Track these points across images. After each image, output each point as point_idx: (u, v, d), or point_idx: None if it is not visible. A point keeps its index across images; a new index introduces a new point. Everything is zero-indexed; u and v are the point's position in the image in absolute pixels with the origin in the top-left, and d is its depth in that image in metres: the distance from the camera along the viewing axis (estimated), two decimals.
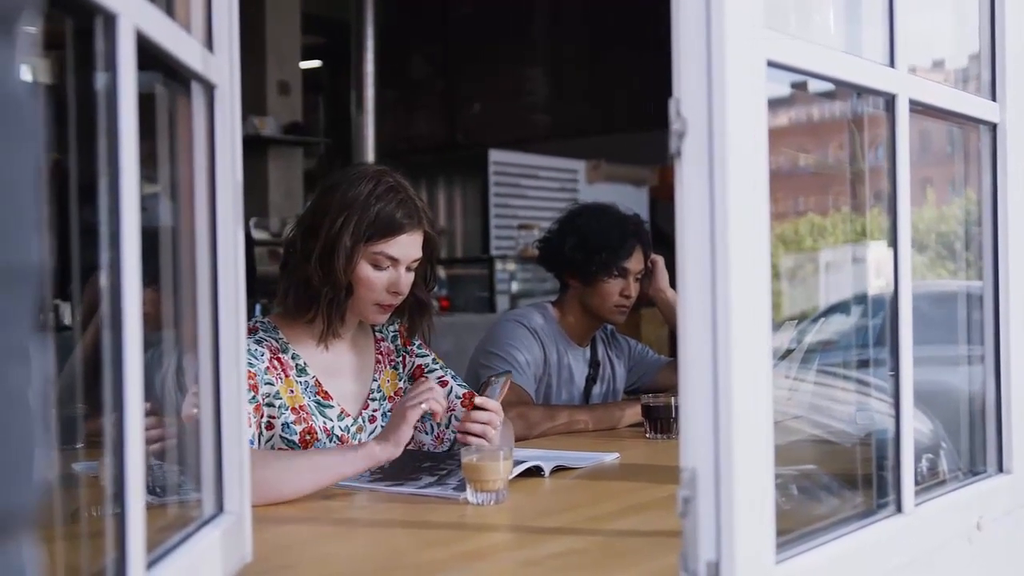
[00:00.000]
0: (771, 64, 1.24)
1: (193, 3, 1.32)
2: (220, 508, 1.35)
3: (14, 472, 0.56)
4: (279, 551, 1.57)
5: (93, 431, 1.34)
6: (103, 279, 0.99)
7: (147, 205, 1.07)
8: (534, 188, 8.03)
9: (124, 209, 1.00)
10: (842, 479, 1.68)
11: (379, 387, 2.34)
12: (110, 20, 0.98)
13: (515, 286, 7.33)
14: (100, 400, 1.04)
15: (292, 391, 2.17)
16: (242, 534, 1.39)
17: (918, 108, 1.56)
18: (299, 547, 1.63)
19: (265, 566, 1.45)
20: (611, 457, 2.32)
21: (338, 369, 2.27)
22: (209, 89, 1.33)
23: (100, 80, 1.00)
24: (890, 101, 1.51)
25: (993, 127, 1.79)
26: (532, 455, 2.15)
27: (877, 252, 1.85)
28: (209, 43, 1.33)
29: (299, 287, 2.18)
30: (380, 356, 2.36)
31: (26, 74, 0.60)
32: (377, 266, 2.17)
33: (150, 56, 1.10)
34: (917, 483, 1.54)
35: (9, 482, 0.56)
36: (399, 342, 2.40)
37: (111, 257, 0.99)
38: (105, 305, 1.00)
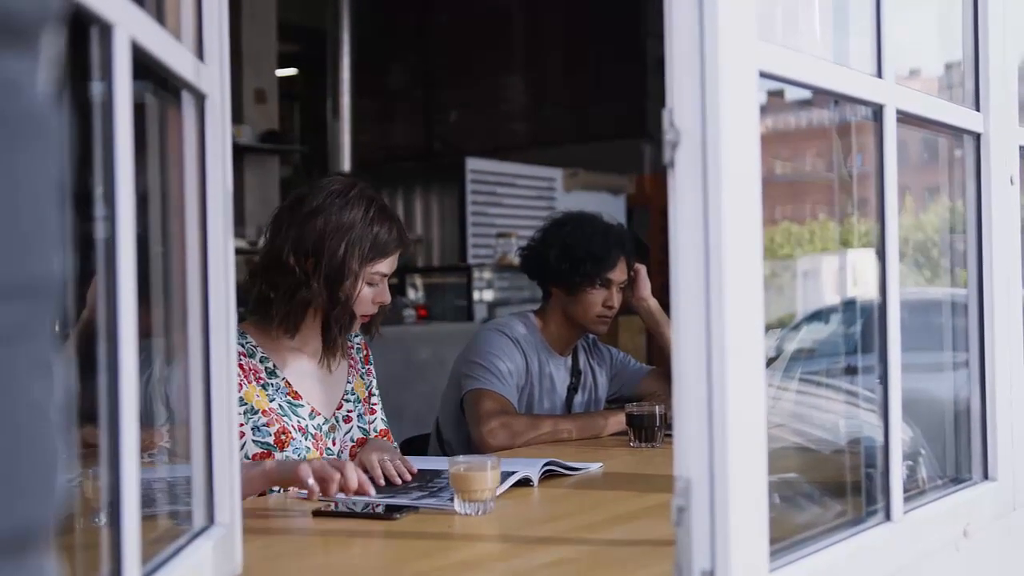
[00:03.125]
0: (763, 75, 1.25)
1: (183, 12, 1.31)
2: (211, 520, 1.34)
3: (38, 486, 0.56)
4: (269, 563, 1.56)
5: (78, 442, 1.33)
6: (99, 289, 0.99)
7: (136, 215, 1.06)
8: (511, 196, 8.02)
9: (120, 219, 0.99)
10: (830, 487, 1.69)
11: (352, 389, 2.41)
12: (106, 30, 0.98)
13: (493, 294, 7.31)
14: (83, 410, 1.03)
15: (259, 395, 2.21)
16: (232, 546, 1.38)
17: (904, 118, 1.57)
18: (288, 559, 1.63)
19: None
20: (596, 467, 2.33)
21: (311, 372, 2.32)
22: (200, 99, 1.33)
23: (95, 89, 1.00)
24: (878, 111, 1.52)
25: (977, 137, 1.80)
26: (518, 465, 2.15)
27: (855, 260, 1.86)
28: (200, 53, 1.33)
29: (300, 309, 2.23)
30: (352, 361, 2.44)
31: (48, 86, 0.60)
32: (371, 284, 2.27)
33: (142, 65, 1.09)
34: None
35: (34, 496, 0.56)
36: (361, 356, 2.48)
37: (106, 266, 0.99)
38: (100, 316, 0.99)
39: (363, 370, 2.47)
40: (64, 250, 0.60)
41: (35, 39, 0.58)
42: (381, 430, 2.45)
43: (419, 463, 2.22)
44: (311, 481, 1.89)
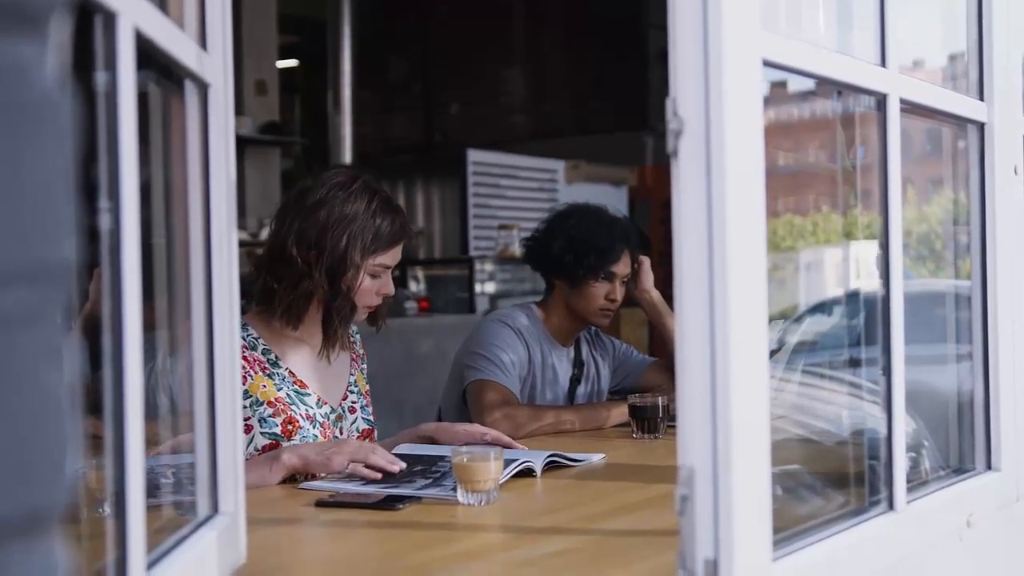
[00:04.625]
0: (766, 64, 1.24)
1: (187, 1, 1.31)
2: (215, 509, 1.35)
3: (48, 471, 0.56)
4: (273, 552, 1.56)
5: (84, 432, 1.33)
6: (104, 280, 0.99)
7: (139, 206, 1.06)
8: (513, 188, 8.01)
9: (124, 209, 0.99)
10: (833, 478, 1.69)
11: (355, 381, 2.43)
12: (110, 18, 0.98)
13: (495, 287, 7.31)
14: (87, 401, 1.03)
15: (265, 386, 2.23)
16: (237, 535, 1.38)
17: (908, 107, 1.57)
18: (292, 548, 1.63)
19: (259, 567, 1.44)
20: (598, 458, 2.33)
21: (314, 363, 2.34)
22: (203, 88, 1.32)
23: (99, 78, 1.00)
24: (881, 100, 1.51)
25: (981, 126, 1.80)
26: (520, 455, 2.15)
27: (859, 252, 1.86)
28: (203, 42, 1.33)
29: (303, 300, 2.24)
30: (354, 355, 2.46)
31: (57, 71, 0.60)
32: (373, 276, 2.28)
33: (145, 54, 1.09)
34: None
35: (44, 481, 0.56)
36: (361, 352, 2.51)
37: (111, 257, 0.98)
38: (104, 307, 0.99)
39: (362, 366, 2.50)
40: (74, 236, 0.60)
41: (44, 26, 0.58)
42: (364, 429, 2.44)
43: (421, 450, 2.24)
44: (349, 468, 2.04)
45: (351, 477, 2.04)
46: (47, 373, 0.56)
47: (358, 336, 2.51)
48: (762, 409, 1.21)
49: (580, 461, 2.26)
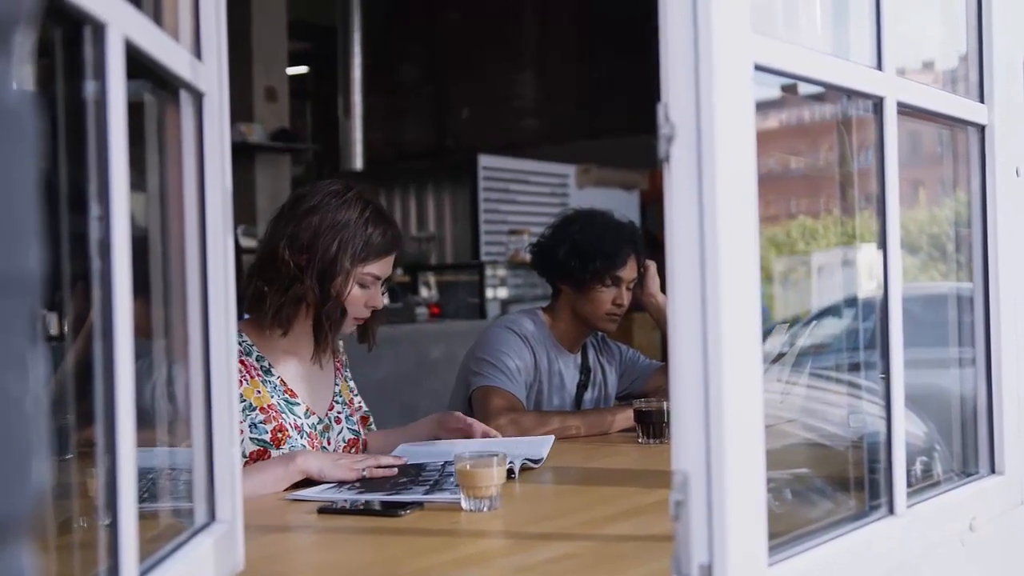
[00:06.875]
0: (759, 68, 1.24)
1: (181, 11, 1.32)
2: (212, 516, 1.35)
3: (12, 479, 0.56)
4: (270, 560, 1.56)
5: (83, 441, 1.34)
6: (94, 289, 0.99)
7: (134, 214, 1.06)
8: (524, 193, 8.01)
9: (114, 218, 0.99)
10: (835, 482, 1.69)
11: (339, 391, 2.45)
12: (99, 29, 0.98)
13: (506, 292, 7.32)
14: (90, 410, 1.03)
15: (259, 392, 2.25)
16: (234, 543, 1.39)
17: (906, 110, 1.56)
18: (291, 556, 1.63)
19: (257, 575, 1.44)
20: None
21: (303, 372, 2.36)
22: (198, 97, 1.33)
23: (89, 88, 1.00)
24: (878, 104, 1.51)
25: (981, 129, 1.79)
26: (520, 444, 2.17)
27: (868, 255, 1.86)
28: (197, 51, 1.33)
29: (292, 303, 2.26)
30: (338, 364, 2.48)
31: (22, 83, 0.60)
32: (363, 285, 2.30)
33: (138, 64, 1.09)
34: (910, 485, 1.54)
35: (7, 489, 0.56)
36: (344, 360, 2.53)
37: (102, 267, 0.99)
38: (96, 315, 1.00)
39: (346, 372, 2.52)
40: (41, 246, 0.61)
41: (9, 38, 0.58)
42: (349, 440, 2.45)
43: (416, 453, 2.27)
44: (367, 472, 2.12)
45: (340, 487, 2.05)
46: (12, 382, 0.57)
47: (340, 342, 2.52)
48: (756, 414, 1.21)
49: (539, 461, 2.28)
